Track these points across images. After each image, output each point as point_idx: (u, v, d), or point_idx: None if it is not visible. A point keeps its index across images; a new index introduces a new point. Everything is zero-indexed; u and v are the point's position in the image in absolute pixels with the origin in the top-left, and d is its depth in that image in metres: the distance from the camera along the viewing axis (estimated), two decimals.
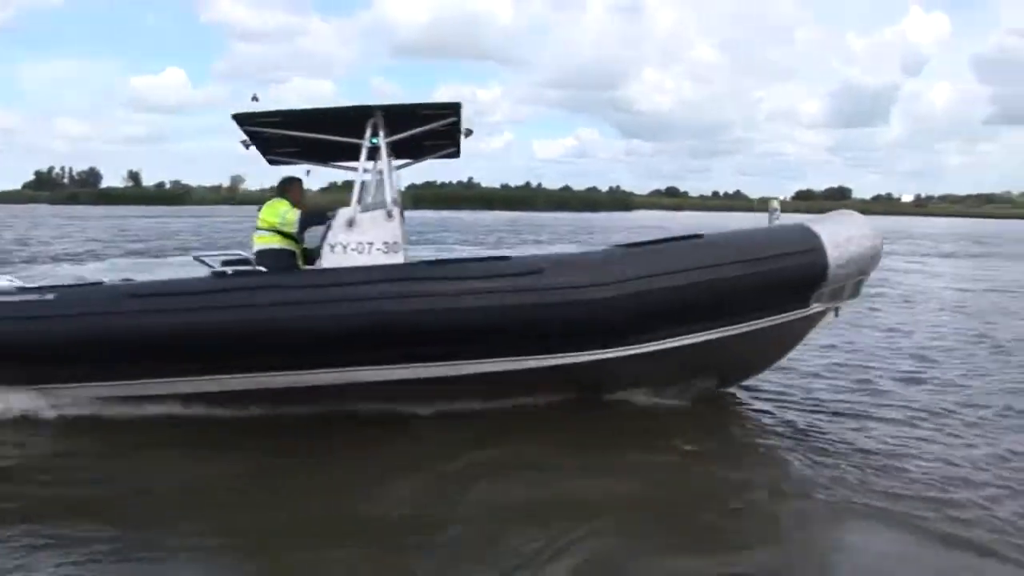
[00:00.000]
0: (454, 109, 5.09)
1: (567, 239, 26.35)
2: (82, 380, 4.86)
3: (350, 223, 4.91)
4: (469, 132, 5.50)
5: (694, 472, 4.24)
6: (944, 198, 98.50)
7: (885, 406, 5.39)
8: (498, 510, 3.73)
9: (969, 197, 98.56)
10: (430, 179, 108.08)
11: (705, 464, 4.33)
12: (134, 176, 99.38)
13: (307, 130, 5.24)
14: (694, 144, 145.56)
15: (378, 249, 4.91)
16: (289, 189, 5.36)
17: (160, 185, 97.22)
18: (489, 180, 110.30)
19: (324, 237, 5.04)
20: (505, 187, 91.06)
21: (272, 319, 4.59)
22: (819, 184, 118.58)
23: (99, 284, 5.45)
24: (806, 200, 78.81)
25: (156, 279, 5.72)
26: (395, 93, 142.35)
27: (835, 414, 5.19)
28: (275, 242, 5.24)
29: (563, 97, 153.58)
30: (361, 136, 5.06)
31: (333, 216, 5.03)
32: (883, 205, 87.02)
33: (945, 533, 3.45)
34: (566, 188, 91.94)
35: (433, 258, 5.73)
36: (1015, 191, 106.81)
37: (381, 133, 5.09)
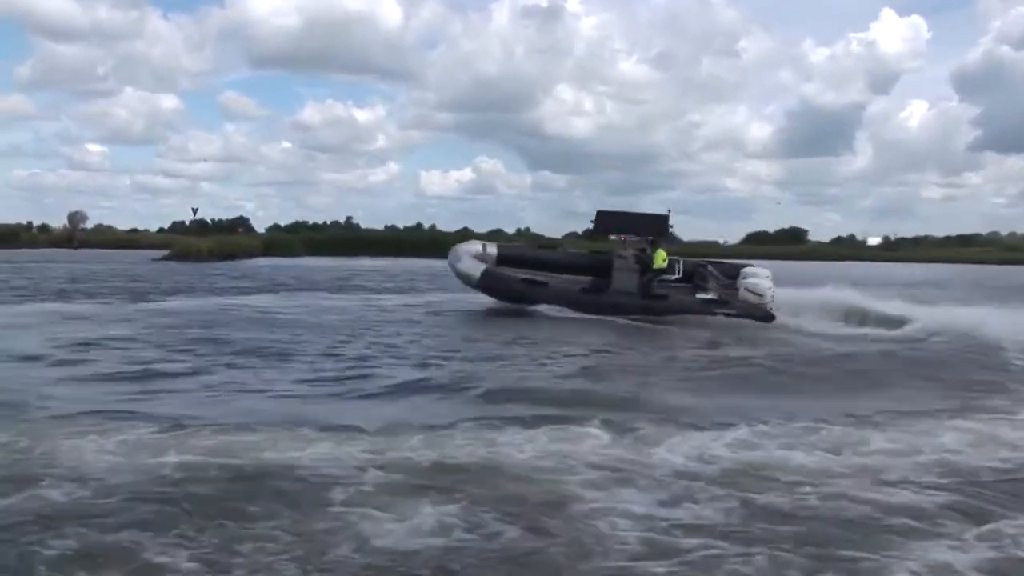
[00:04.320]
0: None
1: None
2: None
3: None
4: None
5: None
6: (919, 240, 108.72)
7: None
8: None
9: (949, 239, 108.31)
10: (300, 218, 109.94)
11: None
12: None
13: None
14: (616, 177, 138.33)
15: None
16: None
17: None
18: (370, 220, 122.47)
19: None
20: (391, 228, 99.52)
21: None
22: (768, 224, 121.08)
23: None
24: (760, 244, 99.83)
25: None
26: (247, 111, 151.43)
27: None
28: None
29: (459, 120, 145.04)
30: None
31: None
32: (844, 248, 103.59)
33: None
34: (464, 231, 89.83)
35: None
36: (1004, 230, 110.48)
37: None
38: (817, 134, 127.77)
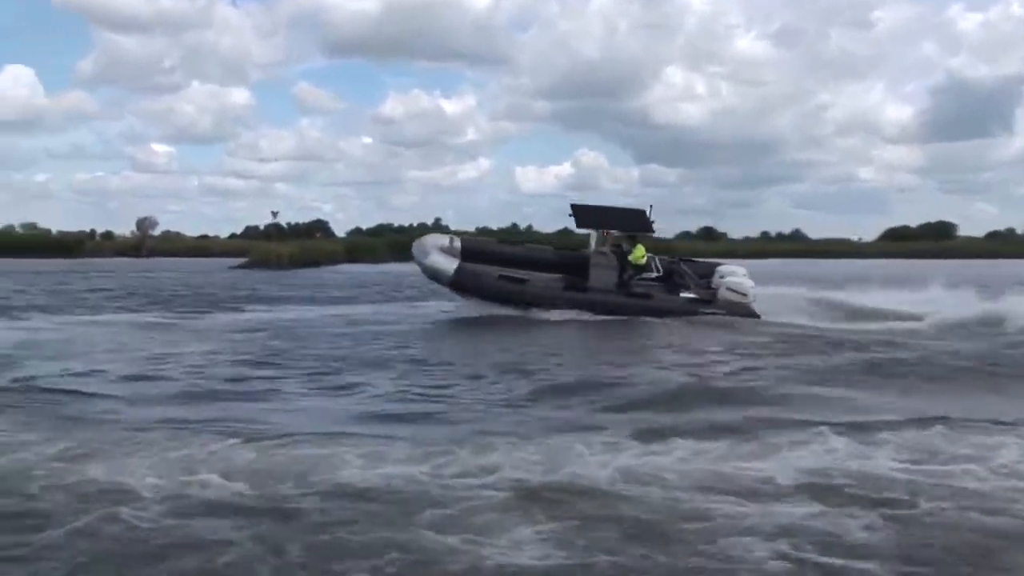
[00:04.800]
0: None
1: None
2: None
3: None
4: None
5: None
6: None
7: None
8: None
9: None
10: (383, 220, 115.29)
11: None
12: None
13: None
14: (733, 169, 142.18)
15: None
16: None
17: (9, 228, 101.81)
18: (460, 221, 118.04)
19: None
20: (483, 230, 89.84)
21: None
22: (909, 218, 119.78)
23: None
24: (900, 240, 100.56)
25: None
26: (323, 104, 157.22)
27: None
28: None
29: (557, 109, 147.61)
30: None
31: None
32: (1001, 244, 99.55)
33: None
34: (564, 232, 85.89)
35: None
36: None
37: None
38: (967, 114, 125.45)
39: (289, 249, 61.15)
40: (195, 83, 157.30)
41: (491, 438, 9.00)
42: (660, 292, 23.19)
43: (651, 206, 24.73)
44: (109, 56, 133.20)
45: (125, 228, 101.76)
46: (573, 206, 24.92)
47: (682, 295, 23.06)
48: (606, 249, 23.69)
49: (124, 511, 6.68)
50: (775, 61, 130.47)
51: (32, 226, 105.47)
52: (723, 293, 22.79)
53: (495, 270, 23.24)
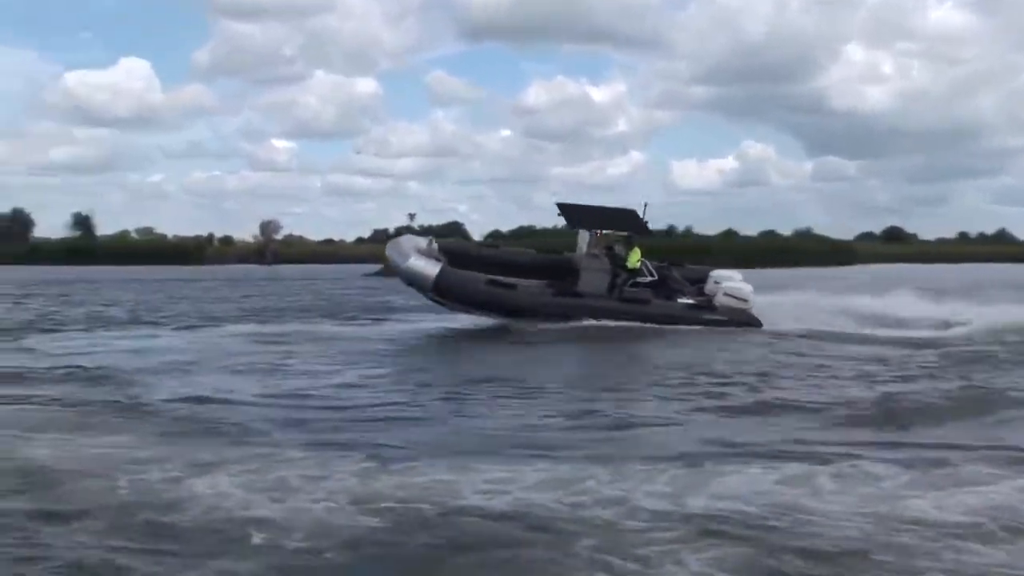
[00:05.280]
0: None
1: None
2: None
3: None
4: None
5: None
6: None
7: None
8: None
9: None
10: (524, 222, 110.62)
11: None
12: (82, 221, 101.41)
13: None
14: (924, 160, 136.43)
15: None
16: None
17: (124, 233, 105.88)
18: None
19: None
20: None
21: None
22: None
23: None
24: None
25: None
26: (458, 94, 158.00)
27: None
28: None
29: (718, 96, 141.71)
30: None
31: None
32: None
33: None
34: (728, 233, 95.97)
35: None
36: None
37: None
38: None
39: None
40: (318, 73, 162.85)
41: (633, 460, 9.10)
42: (657, 298, 23.50)
43: (645, 204, 25.01)
44: (227, 45, 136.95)
45: (243, 231, 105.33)
46: (560, 205, 25.25)
47: (679, 301, 23.48)
48: (598, 251, 24.02)
49: (257, 537, 6.92)
50: (977, 34, 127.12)
51: (148, 231, 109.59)
52: (721, 299, 23.25)
53: (482, 276, 23.26)
